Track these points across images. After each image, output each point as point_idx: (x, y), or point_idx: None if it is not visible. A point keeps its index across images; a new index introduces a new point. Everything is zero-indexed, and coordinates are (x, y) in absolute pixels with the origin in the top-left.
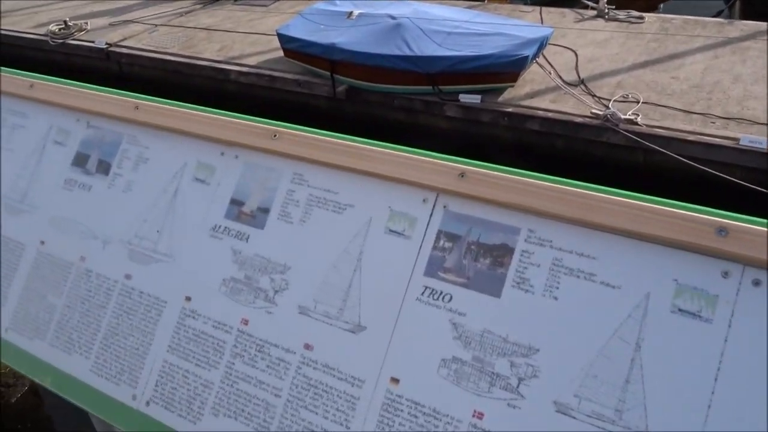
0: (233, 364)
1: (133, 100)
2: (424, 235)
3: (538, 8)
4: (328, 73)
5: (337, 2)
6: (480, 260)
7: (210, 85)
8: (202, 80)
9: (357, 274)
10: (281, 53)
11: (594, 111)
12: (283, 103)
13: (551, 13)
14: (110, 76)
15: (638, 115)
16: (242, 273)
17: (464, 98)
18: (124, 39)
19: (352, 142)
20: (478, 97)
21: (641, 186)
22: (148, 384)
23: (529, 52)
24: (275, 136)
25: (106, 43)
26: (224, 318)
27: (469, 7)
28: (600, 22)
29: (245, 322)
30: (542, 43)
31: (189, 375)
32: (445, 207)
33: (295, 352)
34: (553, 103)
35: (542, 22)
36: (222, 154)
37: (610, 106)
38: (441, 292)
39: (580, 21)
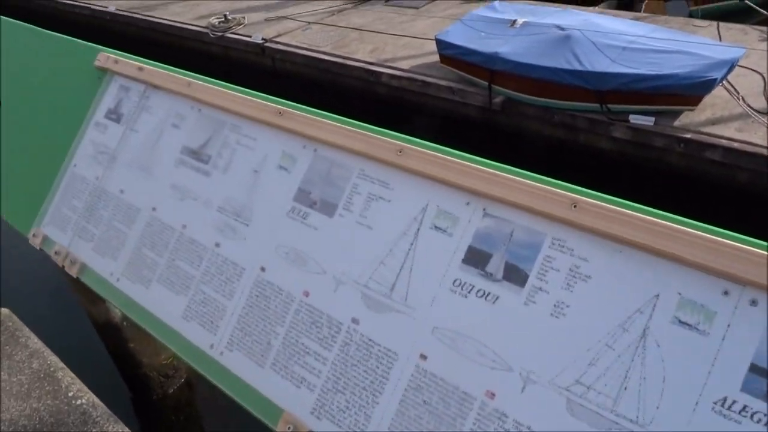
0: None
1: (571, 194)
2: None
3: (714, 23)
4: (485, 83)
5: (498, 8)
6: None
7: (360, 87)
8: (353, 81)
9: None
10: (433, 58)
11: None
12: (434, 110)
13: (730, 29)
14: (263, 72)
15: None
16: None
17: (636, 119)
18: (279, 35)
19: None
20: (652, 119)
21: None
22: None
23: (717, 74)
24: None
25: (263, 39)
26: None
27: (636, 18)
28: None
29: None
30: (732, 65)
31: None
32: None
33: None
34: (739, 132)
35: (720, 39)
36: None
37: None
38: None
39: (766, 40)
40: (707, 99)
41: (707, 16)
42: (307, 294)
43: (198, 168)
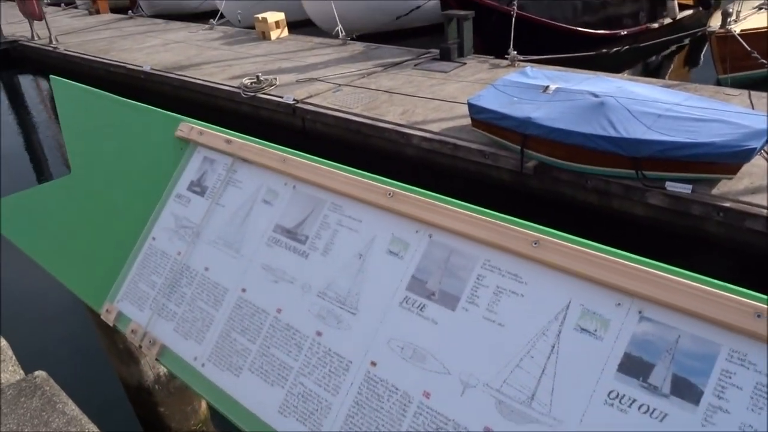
0: None
1: (754, 302)
2: None
3: (745, 92)
4: (517, 147)
5: (529, 73)
6: None
7: (390, 148)
8: (383, 142)
9: None
10: (464, 121)
11: None
12: (464, 173)
13: (762, 98)
14: (294, 131)
15: None
16: None
17: (672, 186)
18: (310, 96)
19: None
20: (690, 186)
21: None
22: None
23: (756, 143)
24: None
25: (294, 99)
26: None
27: (666, 86)
28: None
29: None
30: None
31: None
32: None
33: None
34: None
35: (753, 108)
36: None
37: None
38: None
39: None
40: (745, 168)
41: (737, 84)
42: (427, 395)
43: (294, 248)
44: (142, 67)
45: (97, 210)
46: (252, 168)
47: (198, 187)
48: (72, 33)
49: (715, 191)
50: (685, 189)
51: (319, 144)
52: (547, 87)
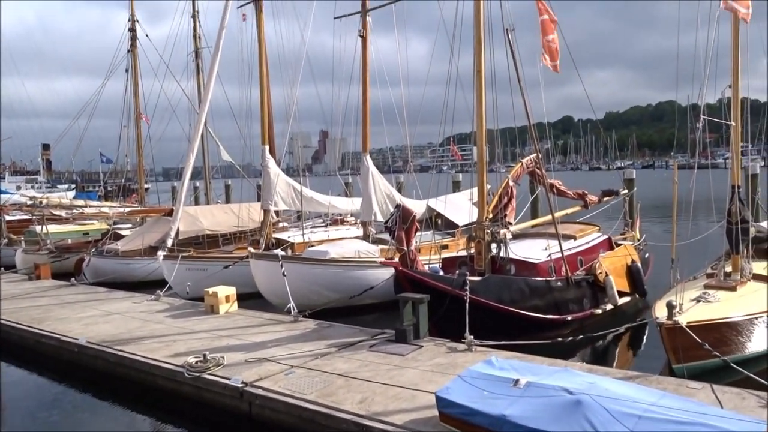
0: None
1: None
2: None
3: (707, 385)
4: None
5: (495, 364)
6: None
7: None
8: None
9: None
10: (428, 413)
11: None
12: None
13: (726, 393)
14: (239, 417)
15: None
16: None
17: None
18: (260, 378)
19: None
20: None
21: None
22: None
23: None
24: None
25: (242, 382)
26: None
27: (627, 378)
28: None
29: None
30: None
31: None
32: None
33: None
34: None
35: (721, 405)
36: None
37: None
38: None
39: (765, 406)
40: None
41: (692, 373)
42: None
43: None
44: (77, 339)
45: None
46: None
47: None
48: (6, 299)
49: None
50: None
51: None
52: (518, 381)
